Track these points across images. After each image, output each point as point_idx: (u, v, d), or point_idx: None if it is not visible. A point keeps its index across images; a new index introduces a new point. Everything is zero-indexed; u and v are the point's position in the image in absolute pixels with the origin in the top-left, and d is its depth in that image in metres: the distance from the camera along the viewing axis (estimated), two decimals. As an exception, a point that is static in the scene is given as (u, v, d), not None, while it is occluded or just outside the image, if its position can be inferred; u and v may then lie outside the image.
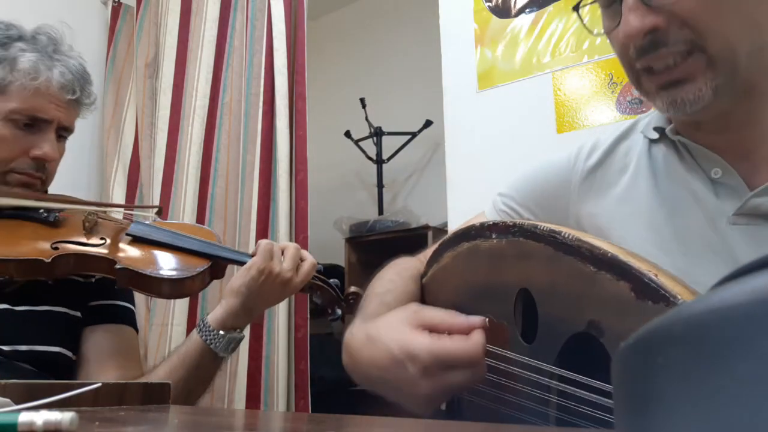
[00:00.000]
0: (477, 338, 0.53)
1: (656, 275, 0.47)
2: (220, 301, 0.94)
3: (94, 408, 0.52)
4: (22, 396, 0.46)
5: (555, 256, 0.56)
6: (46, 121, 0.93)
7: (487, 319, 0.57)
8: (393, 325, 0.55)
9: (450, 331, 0.54)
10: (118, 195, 1.87)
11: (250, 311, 0.93)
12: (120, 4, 2.06)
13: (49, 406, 0.39)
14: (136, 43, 1.96)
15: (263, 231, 1.56)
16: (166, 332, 1.53)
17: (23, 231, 0.91)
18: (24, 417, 0.35)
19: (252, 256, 0.94)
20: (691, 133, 0.66)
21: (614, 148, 0.75)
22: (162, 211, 1.14)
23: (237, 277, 0.92)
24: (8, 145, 0.90)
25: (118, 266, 0.87)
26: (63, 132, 0.97)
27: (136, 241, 0.93)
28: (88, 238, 0.91)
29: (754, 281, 0.17)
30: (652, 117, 0.72)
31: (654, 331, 0.20)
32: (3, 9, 1.67)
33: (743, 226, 0.60)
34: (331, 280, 1.01)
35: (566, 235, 0.55)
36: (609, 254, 0.51)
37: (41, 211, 0.93)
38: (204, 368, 0.90)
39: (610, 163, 0.74)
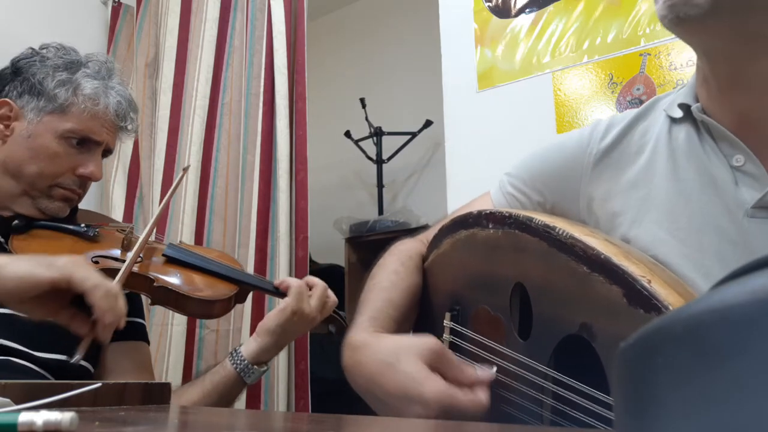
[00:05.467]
0: (482, 396, 0.55)
1: (650, 282, 0.46)
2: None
3: (94, 408, 0.52)
4: (22, 396, 0.46)
5: (549, 253, 0.54)
6: (97, 143, 0.98)
7: (494, 373, 0.58)
8: (412, 359, 0.56)
9: (459, 382, 0.55)
10: (118, 195, 1.86)
11: (281, 347, 1.02)
12: (120, 4, 2.06)
13: (49, 406, 0.39)
14: (136, 43, 1.96)
15: (263, 231, 1.56)
16: (166, 332, 1.52)
17: (62, 243, 0.93)
18: (24, 417, 0.35)
19: (276, 287, 1.01)
20: (717, 110, 0.62)
21: (631, 129, 0.71)
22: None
23: (272, 318, 0.98)
24: (60, 161, 0.95)
25: (156, 284, 0.91)
26: (106, 153, 1.02)
27: (171, 262, 0.97)
28: (124, 255, 0.94)
29: (754, 281, 0.17)
30: (677, 94, 0.68)
31: (654, 330, 0.20)
32: (3, 9, 1.67)
33: (762, 219, 0.56)
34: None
35: (560, 232, 0.54)
36: (602, 256, 0.49)
37: (81, 225, 0.96)
38: (233, 393, 0.99)
39: (626, 144, 0.70)
